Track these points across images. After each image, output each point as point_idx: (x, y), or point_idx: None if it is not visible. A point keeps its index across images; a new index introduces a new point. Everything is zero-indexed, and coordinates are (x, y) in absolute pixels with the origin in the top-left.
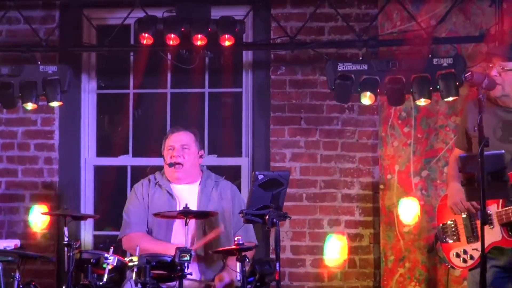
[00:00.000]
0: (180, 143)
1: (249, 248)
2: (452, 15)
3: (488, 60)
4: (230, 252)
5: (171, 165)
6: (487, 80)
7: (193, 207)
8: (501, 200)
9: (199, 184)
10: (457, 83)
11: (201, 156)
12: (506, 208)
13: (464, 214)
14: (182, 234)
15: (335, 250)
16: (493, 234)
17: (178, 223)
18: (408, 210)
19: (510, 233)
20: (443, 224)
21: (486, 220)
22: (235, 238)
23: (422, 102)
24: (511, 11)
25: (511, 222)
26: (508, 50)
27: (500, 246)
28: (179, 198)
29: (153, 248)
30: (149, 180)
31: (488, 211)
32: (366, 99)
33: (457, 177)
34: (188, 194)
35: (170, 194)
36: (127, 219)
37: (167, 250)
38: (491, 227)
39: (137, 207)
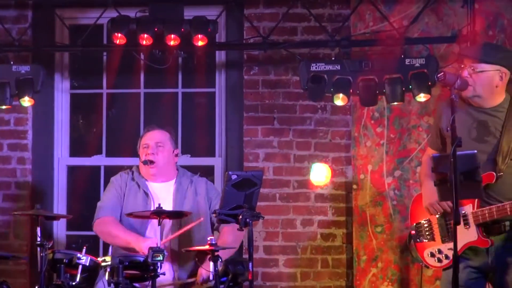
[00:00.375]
0: (154, 141)
1: (223, 248)
2: (425, 15)
3: (459, 61)
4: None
5: (145, 162)
6: (460, 81)
7: (169, 205)
8: (476, 200)
9: (175, 183)
10: (430, 83)
11: (176, 155)
12: (482, 209)
13: (447, 212)
14: (156, 231)
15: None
16: (469, 234)
17: (154, 221)
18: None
19: (485, 233)
20: (417, 224)
21: (459, 220)
22: (208, 238)
23: (395, 103)
24: (483, 11)
25: (487, 223)
26: (479, 51)
27: (476, 246)
28: (154, 196)
29: (124, 237)
30: (127, 172)
31: (464, 211)
32: (339, 100)
33: (430, 176)
34: (163, 193)
35: (146, 193)
36: (100, 204)
37: (137, 242)
38: (467, 227)
39: (113, 194)
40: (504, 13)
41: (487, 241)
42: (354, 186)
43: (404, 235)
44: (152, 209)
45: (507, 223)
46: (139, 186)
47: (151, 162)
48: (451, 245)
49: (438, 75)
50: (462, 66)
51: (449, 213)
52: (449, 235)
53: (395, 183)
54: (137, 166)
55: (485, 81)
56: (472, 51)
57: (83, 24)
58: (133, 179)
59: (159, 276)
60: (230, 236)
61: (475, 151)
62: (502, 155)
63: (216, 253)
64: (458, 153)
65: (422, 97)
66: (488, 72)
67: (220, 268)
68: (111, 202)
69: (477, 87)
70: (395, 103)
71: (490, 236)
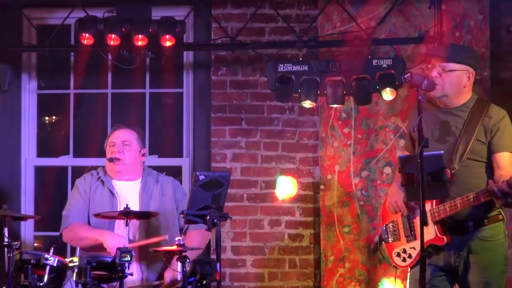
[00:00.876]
0: (121, 140)
1: (191, 249)
2: (392, 16)
3: (427, 61)
4: (171, 252)
5: (110, 160)
6: (426, 81)
7: (135, 204)
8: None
9: (141, 182)
10: (397, 84)
11: (143, 155)
12: (438, 206)
13: (404, 213)
14: (124, 230)
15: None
16: (427, 232)
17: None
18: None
19: (445, 231)
20: (386, 225)
21: (426, 220)
22: (176, 239)
23: (362, 103)
24: (449, 12)
25: (448, 221)
26: (448, 51)
27: (435, 244)
28: (120, 195)
29: (90, 235)
30: (91, 174)
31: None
32: (307, 104)
33: (398, 178)
34: (129, 192)
35: (111, 192)
36: (67, 213)
37: (102, 236)
38: (426, 225)
39: (78, 200)
40: (471, 14)
41: (443, 239)
42: (322, 187)
43: (371, 236)
44: (118, 208)
45: (470, 223)
46: (103, 184)
47: (117, 159)
48: (413, 244)
49: (405, 76)
50: (430, 66)
51: (411, 212)
52: (412, 234)
53: (362, 183)
54: (103, 167)
55: (454, 80)
56: (441, 50)
57: (51, 24)
58: (98, 179)
59: (126, 277)
60: (196, 239)
61: (442, 151)
62: (458, 153)
63: (183, 254)
64: (424, 153)
65: (388, 92)
66: (457, 72)
67: (188, 268)
68: (77, 210)
69: (446, 86)
70: (362, 104)
71: (453, 235)
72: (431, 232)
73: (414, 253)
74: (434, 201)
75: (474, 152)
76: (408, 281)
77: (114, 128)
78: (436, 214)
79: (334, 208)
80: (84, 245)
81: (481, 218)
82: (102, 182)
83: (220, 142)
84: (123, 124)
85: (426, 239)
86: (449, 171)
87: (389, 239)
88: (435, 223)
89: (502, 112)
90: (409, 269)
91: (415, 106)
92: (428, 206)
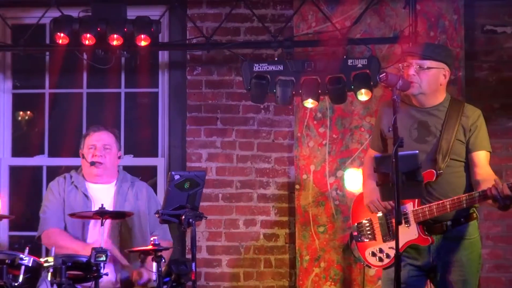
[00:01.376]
0: (102, 143)
1: (166, 248)
2: (367, 16)
3: (403, 59)
4: (147, 252)
5: (93, 163)
6: (401, 81)
7: (109, 207)
8: (416, 199)
9: (115, 185)
10: (372, 84)
11: (119, 157)
12: (422, 207)
13: (380, 213)
14: (97, 233)
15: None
16: (409, 233)
17: (93, 223)
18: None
19: (426, 231)
20: (358, 223)
21: (401, 219)
22: (151, 238)
23: (337, 103)
24: (424, 12)
25: (427, 221)
26: (424, 49)
27: (417, 244)
28: (95, 198)
29: (71, 246)
30: (64, 177)
31: (405, 210)
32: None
33: (372, 176)
34: (103, 194)
35: (85, 195)
36: (44, 216)
37: (84, 249)
38: (408, 225)
39: (53, 203)
40: (446, 14)
41: (428, 239)
42: (297, 186)
43: (346, 235)
44: (92, 209)
45: (449, 222)
46: (77, 188)
47: (99, 163)
48: (392, 244)
49: (380, 76)
50: (406, 64)
51: (390, 212)
52: (390, 234)
53: (337, 183)
54: (75, 170)
55: (431, 78)
56: (418, 48)
57: (26, 24)
58: (71, 183)
59: (102, 277)
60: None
61: (417, 151)
62: (442, 153)
63: (159, 253)
64: (399, 153)
65: (363, 94)
66: (434, 69)
67: (163, 268)
68: (54, 212)
69: (423, 84)
70: (338, 103)
71: (432, 235)
72: (413, 232)
73: (393, 253)
74: (416, 201)
75: (455, 152)
76: (382, 280)
77: (93, 130)
78: (420, 215)
79: (309, 207)
80: (62, 252)
81: (459, 217)
82: (76, 186)
83: (196, 141)
84: (100, 125)
85: (407, 239)
86: (434, 171)
87: (363, 238)
88: (418, 223)
89: (478, 112)
90: (382, 269)
91: (385, 104)
92: (410, 207)
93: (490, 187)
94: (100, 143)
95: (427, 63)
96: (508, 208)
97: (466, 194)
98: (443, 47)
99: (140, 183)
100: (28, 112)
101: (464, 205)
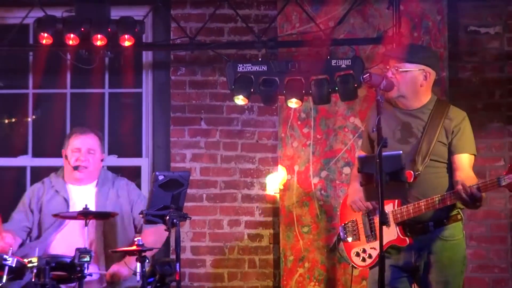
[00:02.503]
0: (86, 147)
1: (150, 249)
2: (351, 17)
3: (385, 62)
4: (131, 253)
5: (76, 168)
6: (385, 82)
7: (91, 207)
8: (397, 200)
9: (96, 185)
10: (356, 85)
11: (102, 160)
12: (401, 207)
13: (364, 213)
14: (78, 234)
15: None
16: (389, 233)
17: (73, 225)
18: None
19: (406, 232)
20: (344, 224)
21: (385, 220)
22: (135, 239)
23: (321, 103)
24: (408, 13)
25: (409, 221)
26: (403, 52)
27: (396, 245)
28: (75, 201)
29: None
30: (43, 182)
31: (385, 210)
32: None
33: (357, 177)
34: (84, 195)
35: (65, 200)
36: (7, 226)
37: None
38: (388, 226)
39: (20, 214)
40: (429, 15)
41: (406, 240)
42: (281, 187)
43: (330, 235)
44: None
45: (431, 223)
46: (58, 193)
47: (83, 167)
48: (374, 244)
49: (364, 76)
50: (388, 67)
51: (372, 211)
52: (372, 234)
53: (321, 183)
54: (55, 172)
55: (409, 80)
56: (396, 51)
57: (9, 24)
58: (51, 187)
59: (86, 277)
60: (151, 237)
61: (401, 152)
62: (421, 154)
63: (143, 254)
64: (383, 153)
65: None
66: (411, 72)
67: (147, 268)
68: (16, 224)
69: (401, 87)
70: (322, 104)
71: (414, 235)
72: (392, 233)
73: (374, 253)
74: (396, 201)
75: (436, 153)
76: (368, 281)
77: (78, 132)
78: (398, 216)
79: (294, 208)
80: None
81: (441, 218)
82: (56, 191)
83: (180, 142)
84: (84, 126)
85: (387, 239)
86: (412, 172)
87: (348, 239)
88: (397, 224)
89: (462, 114)
90: (368, 269)
91: (374, 106)
92: (390, 207)
93: (456, 187)
94: (84, 148)
95: (405, 65)
96: (477, 207)
97: (439, 195)
98: (425, 48)
99: (120, 179)
100: (12, 113)
101: (437, 206)
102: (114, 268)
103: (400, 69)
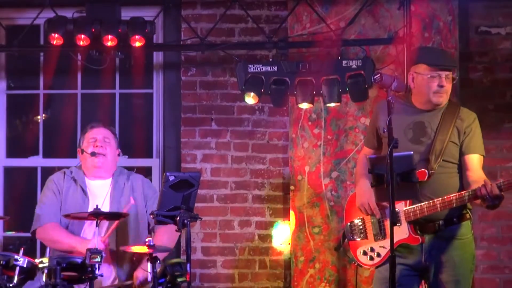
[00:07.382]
0: (102, 135)
1: (162, 250)
2: (361, 17)
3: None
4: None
5: (93, 154)
6: (396, 82)
7: (106, 203)
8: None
9: (112, 180)
10: (366, 85)
11: (118, 155)
12: (413, 206)
13: (377, 216)
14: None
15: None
16: (400, 232)
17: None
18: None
19: (417, 230)
20: (351, 222)
21: (396, 220)
22: (146, 240)
23: (332, 104)
24: (419, 13)
25: (419, 220)
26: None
27: (407, 244)
28: (92, 194)
29: (67, 241)
30: (64, 173)
31: (396, 209)
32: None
33: (365, 176)
34: (100, 190)
35: (84, 191)
36: (39, 212)
37: (81, 244)
38: (399, 224)
39: (50, 198)
40: (440, 15)
41: (418, 238)
42: (292, 187)
43: (341, 236)
44: (89, 207)
45: (441, 221)
46: (76, 182)
47: (100, 154)
48: (383, 243)
49: (375, 77)
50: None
51: (382, 211)
52: (382, 233)
53: (332, 184)
54: (75, 166)
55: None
56: (450, 60)
57: (20, 25)
58: (71, 178)
59: (97, 278)
60: (165, 236)
61: (411, 152)
62: (434, 154)
63: (154, 255)
64: (394, 154)
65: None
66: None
67: (158, 269)
68: (50, 208)
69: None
70: (332, 104)
71: (424, 234)
72: (404, 232)
73: (384, 252)
74: (407, 200)
75: (449, 153)
76: (374, 279)
77: (91, 126)
78: (411, 214)
79: (304, 208)
80: (57, 248)
81: (452, 217)
82: (75, 180)
83: (190, 142)
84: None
85: (398, 238)
86: (426, 171)
87: (355, 237)
88: (409, 222)
89: (473, 115)
90: (375, 268)
91: (380, 103)
92: (401, 206)
93: (480, 187)
94: (100, 136)
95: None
96: (496, 207)
97: (456, 194)
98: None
99: (135, 175)
100: (22, 113)
101: (454, 205)
102: (139, 276)
103: (453, 75)
